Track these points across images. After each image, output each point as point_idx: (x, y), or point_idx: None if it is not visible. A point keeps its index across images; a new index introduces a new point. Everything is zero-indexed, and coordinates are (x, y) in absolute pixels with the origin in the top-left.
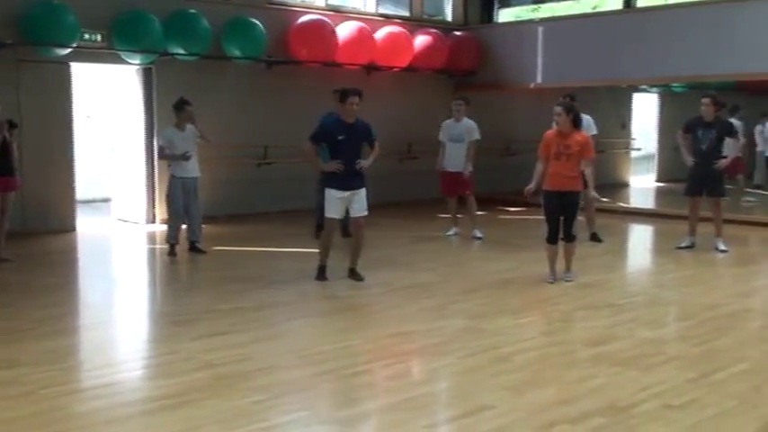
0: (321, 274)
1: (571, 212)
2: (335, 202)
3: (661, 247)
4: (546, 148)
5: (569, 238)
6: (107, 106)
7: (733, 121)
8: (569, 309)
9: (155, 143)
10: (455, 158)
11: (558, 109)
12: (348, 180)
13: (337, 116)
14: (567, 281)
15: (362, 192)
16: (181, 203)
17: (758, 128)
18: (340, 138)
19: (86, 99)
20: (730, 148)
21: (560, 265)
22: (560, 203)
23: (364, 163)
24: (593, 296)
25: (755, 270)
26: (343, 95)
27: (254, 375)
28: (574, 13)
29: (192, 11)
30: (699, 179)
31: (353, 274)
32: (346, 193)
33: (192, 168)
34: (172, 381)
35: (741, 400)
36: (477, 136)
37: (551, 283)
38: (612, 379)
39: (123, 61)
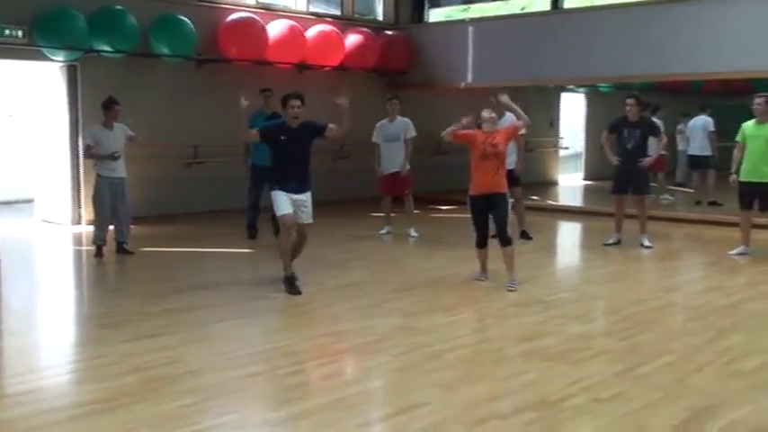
0: (292, 286)
1: (501, 214)
2: (284, 199)
3: (589, 243)
4: (474, 148)
5: (505, 242)
6: (30, 104)
7: (655, 120)
8: (501, 306)
9: (80, 142)
10: (392, 158)
11: (487, 114)
12: (294, 185)
13: (282, 121)
14: (511, 289)
15: (309, 197)
16: (108, 203)
17: (679, 127)
18: (282, 138)
19: (8, 97)
20: (654, 147)
21: (493, 264)
22: (488, 205)
23: (344, 123)
24: (523, 293)
25: (679, 265)
26: (284, 100)
27: (183, 378)
28: (503, 13)
29: (119, 7)
30: (624, 177)
31: (288, 284)
32: (293, 197)
33: (119, 168)
34: (99, 385)
35: (666, 393)
36: (413, 133)
37: (483, 281)
38: (543, 374)
39: (46, 58)
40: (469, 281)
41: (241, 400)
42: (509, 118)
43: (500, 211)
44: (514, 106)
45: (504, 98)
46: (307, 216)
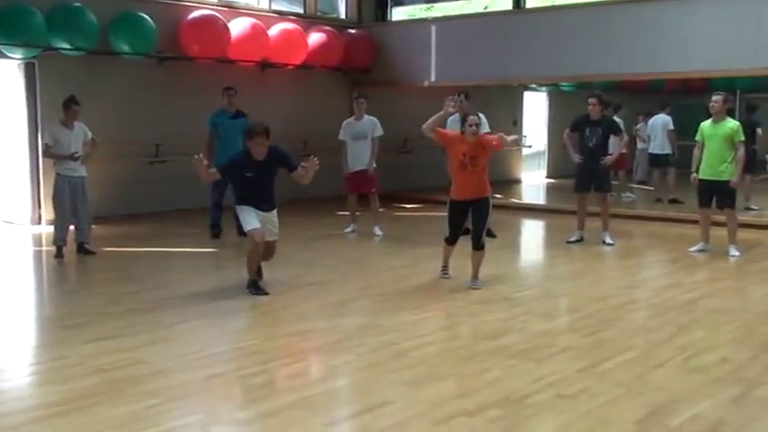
0: (257, 288)
1: (482, 217)
2: (251, 213)
3: (552, 241)
4: (452, 154)
5: (479, 246)
6: None
7: (616, 118)
8: (465, 303)
9: (39, 141)
10: (358, 157)
11: (473, 119)
12: (261, 206)
13: (246, 152)
14: (474, 288)
15: (275, 214)
16: (68, 203)
17: (637, 126)
18: (248, 174)
19: None
20: (615, 146)
21: (457, 261)
22: (469, 209)
23: (307, 177)
24: (488, 290)
25: (640, 262)
26: (249, 134)
27: (146, 379)
28: (466, 12)
29: (77, 4)
30: (586, 175)
31: (253, 287)
32: (260, 213)
33: (79, 167)
34: (61, 387)
35: (628, 388)
36: (380, 132)
37: (447, 278)
38: (508, 371)
39: (4, 56)
40: (435, 279)
41: (206, 400)
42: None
43: (480, 215)
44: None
45: (448, 108)
46: (274, 233)
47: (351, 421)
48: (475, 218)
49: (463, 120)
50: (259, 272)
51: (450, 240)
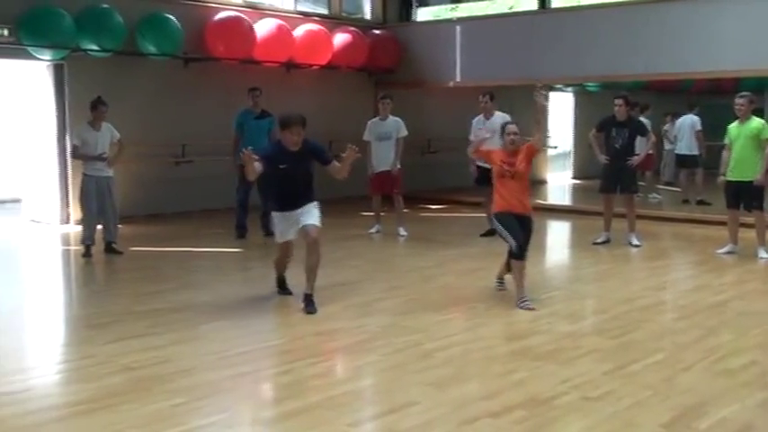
0: (282, 288)
1: (527, 238)
2: (282, 223)
3: (578, 242)
4: (493, 165)
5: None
6: (17, 103)
7: (643, 119)
8: (491, 304)
9: (68, 141)
10: (383, 157)
11: (512, 127)
12: (296, 200)
13: (278, 144)
14: (528, 309)
15: (311, 205)
16: (95, 202)
17: (665, 127)
18: (282, 166)
19: None
20: (642, 146)
21: (485, 263)
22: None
23: (344, 170)
24: (513, 292)
25: (667, 264)
26: (284, 123)
27: (172, 378)
28: (491, 12)
29: (105, 6)
30: (612, 176)
31: (307, 303)
32: (294, 212)
33: (106, 167)
34: (87, 385)
35: (655, 391)
36: (405, 132)
37: (532, 309)
38: (533, 373)
39: (33, 57)
40: (460, 279)
41: (231, 399)
42: (498, 118)
43: (526, 233)
44: (541, 117)
45: (541, 99)
46: (311, 217)
47: (376, 421)
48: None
49: (502, 129)
50: (308, 300)
51: (519, 254)
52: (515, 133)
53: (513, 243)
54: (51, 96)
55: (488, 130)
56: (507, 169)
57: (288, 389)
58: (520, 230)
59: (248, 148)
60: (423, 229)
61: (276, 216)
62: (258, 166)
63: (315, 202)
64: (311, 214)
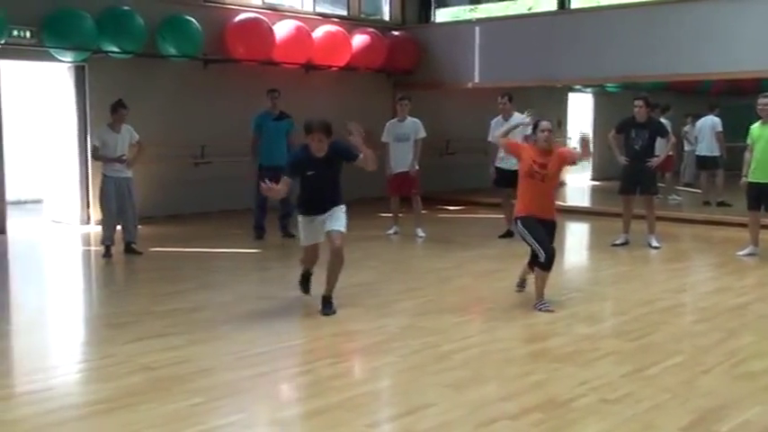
0: (303, 284)
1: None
2: (307, 227)
3: (597, 244)
4: (521, 163)
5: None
6: (39, 105)
7: (664, 120)
8: (509, 306)
9: (88, 142)
10: (401, 158)
11: (546, 124)
12: (322, 205)
13: (305, 148)
14: (546, 311)
15: (338, 209)
16: (114, 203)
17: (685, 128)
18: (309, 173)
19: (16, 97)
20: (662, 147)
21: (502, 264)
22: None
23: (371, 159)
24: (531, 293)
25: (687, 266)
26: (308, 129)
27: (191, 378)
28: (510, 13)
29: (126, 8)
30: (632, 178)
31: (324, 305)
32: (320, 216)
33: (125, 168)
34: (107, 385)
35: (674, 394)
36: (423, 134)
37: (551, 311)
38: (551, 375)
39: (54, 59)
40: (477, 281)
41: (249, 399)
42: (517, 119)
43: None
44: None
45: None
46: (336, 222)
47: (393, 423)
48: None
49: (534, 126)
50: (326, 301)
51: (547, 262)
52: (550, 130)
53: (543, 255)
54: (72, 98)
55: (525, 121)
56: (537, 170)
57: (306, 389)
58: (547, 239)
59: (265, 182)
60: (441, 231)
61: (301, 221)
62: (283, 186)
63: (342, 206)
64: (337, 219)
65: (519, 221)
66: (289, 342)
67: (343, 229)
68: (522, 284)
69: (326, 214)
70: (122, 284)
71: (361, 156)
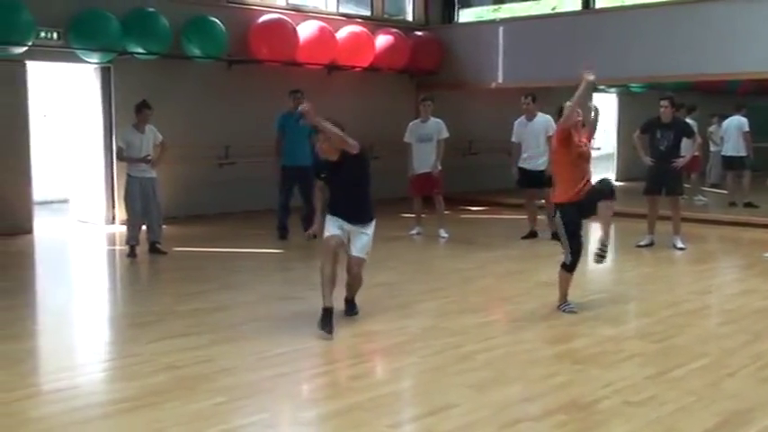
0: (325, 321)
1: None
2: (333, 222)
3: (621, 245)
4: (570, 147)
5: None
6: (65, 105)
7: (689, 120)
8: (532, 307)
9: (114, 143)
10: (424, 159)
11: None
12: (349, 215)
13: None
14: (570, 312)
15: (367, 230)
16: (139, 203)
17: (710, 129)
18: (323, 175)
19: (43, 98)
20: (688, 148)
21: (525, 264)
22: (584, 209)
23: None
24: (555, 295)
25: (713, 268)
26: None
27: (215, 377)
28: (534, 13)
29: (151, 9)
30: (657, 178)
31: (348, 306)
32: (347, 226)
33: (149, 168)
34: (132, 383)
35: (699, 396)
36: (446, 134)
37: (575, 312)
38: (575, 376)
39: (81, 60)
40: (500, 282)
41: (271, 399)
42: (541, 120)
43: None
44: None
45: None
46: (360, 247)
47: (415, 423)
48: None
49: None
50: (349, 304)
51: (572, 266)
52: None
53: (569, 257)
54: (98, 98)
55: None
56: (585, 150)
57: (327, 390)
58: (581, 239)
59: (313, 234)
60: (463, 231)
61: (328, 218)
62: (319, 220)
63: (370, 225)
64: (361, 244)
65: (559, 210)
66: (310, 342)
67: (364, 257)
68: (567, 303)
69: (352, 227)
70: (146, 284)
71: (322, 131)
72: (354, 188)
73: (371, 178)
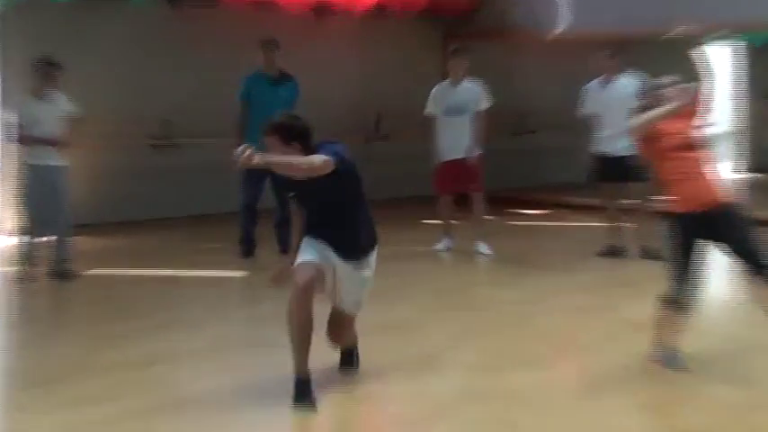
0: (302, 395)
1: (740, 237)
2: (310, 244)
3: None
4: (663, 138)
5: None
6: None
7: None
8: (616, 359)
9: (1, 118)
10: (455, 140)
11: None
12: (334, 245)
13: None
14: (675, 368)
15: (364, 269)
16: (38, 204)
17: None
18: (290, 194)
19: None
20: None
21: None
22: (707, 230)
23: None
24: (648, 340)
25: None
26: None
27: None
28: None
29: None
30: None
31: (344, 358)
32: (333, 257)
33: (54, 153)
34: None
35: None
36: (486, 103)
37: (681, 368)
38: None
39: None
40: (567, 321)
41: None
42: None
43: (736, 234)
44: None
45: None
46: (351, 301)
47: None
48: (731, 242)
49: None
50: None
51: (678, 299)
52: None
53: (674, 287)
54: None
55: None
56: (684, 139)
57: None
58: (693, 263)
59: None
60: (513, 246)
61: (304, 240)
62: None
63: (366, 259)
64: (354, 292)
65: (669, 223)
66: (290, 415)
67: (356, 311)
68: (675, 353)
69: (341, 261)
70: (48, 323)
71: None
72: (338, 211)
73: (364, 195)
